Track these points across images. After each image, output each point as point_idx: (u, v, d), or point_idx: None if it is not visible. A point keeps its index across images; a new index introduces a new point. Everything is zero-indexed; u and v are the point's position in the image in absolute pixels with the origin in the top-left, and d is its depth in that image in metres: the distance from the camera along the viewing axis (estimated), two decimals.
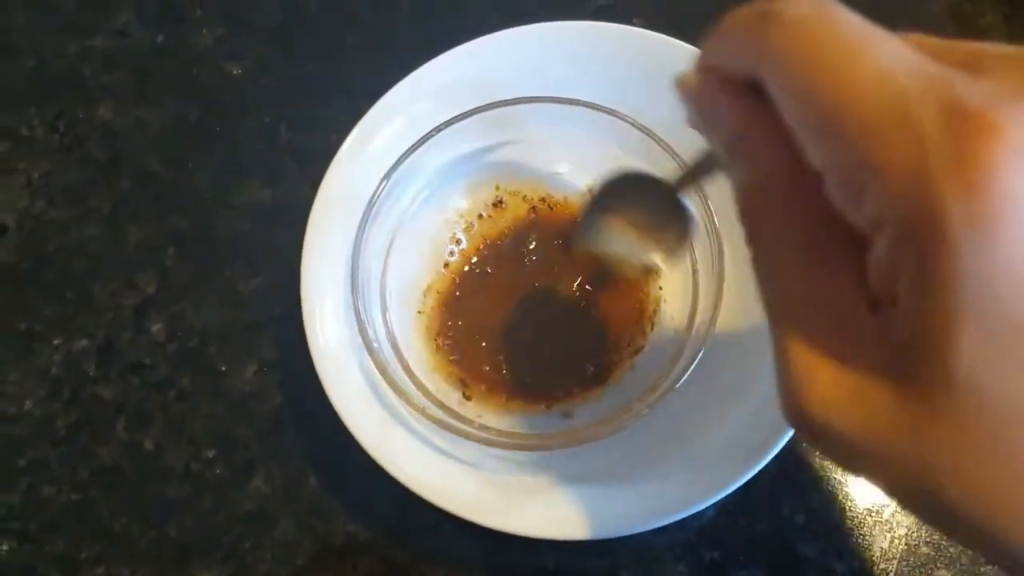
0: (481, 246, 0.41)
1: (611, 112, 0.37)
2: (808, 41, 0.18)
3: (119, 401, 0.42)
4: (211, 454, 0.41)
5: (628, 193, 0.29)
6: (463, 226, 0.42)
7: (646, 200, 0.29)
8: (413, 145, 0.37)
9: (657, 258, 0.31)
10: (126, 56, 0.49)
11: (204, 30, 0.49)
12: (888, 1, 0.46)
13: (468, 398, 0.39)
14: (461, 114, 0.37)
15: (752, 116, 0.20)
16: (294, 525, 0.39)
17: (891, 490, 0.18)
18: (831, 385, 0.18)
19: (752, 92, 0.20)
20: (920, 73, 0.16)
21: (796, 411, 0.18)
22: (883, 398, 0.17)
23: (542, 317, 0.40)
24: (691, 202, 0.33)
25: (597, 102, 0.38)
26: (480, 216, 0.42)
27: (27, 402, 0.42)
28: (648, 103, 0.39)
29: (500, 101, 0.38)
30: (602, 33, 0.41)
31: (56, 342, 0.43)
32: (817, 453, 0.38)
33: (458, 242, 0.41)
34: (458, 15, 0.48)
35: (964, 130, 0.15)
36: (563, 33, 0.41)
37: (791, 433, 0.34)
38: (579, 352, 0.39)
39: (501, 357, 0.39)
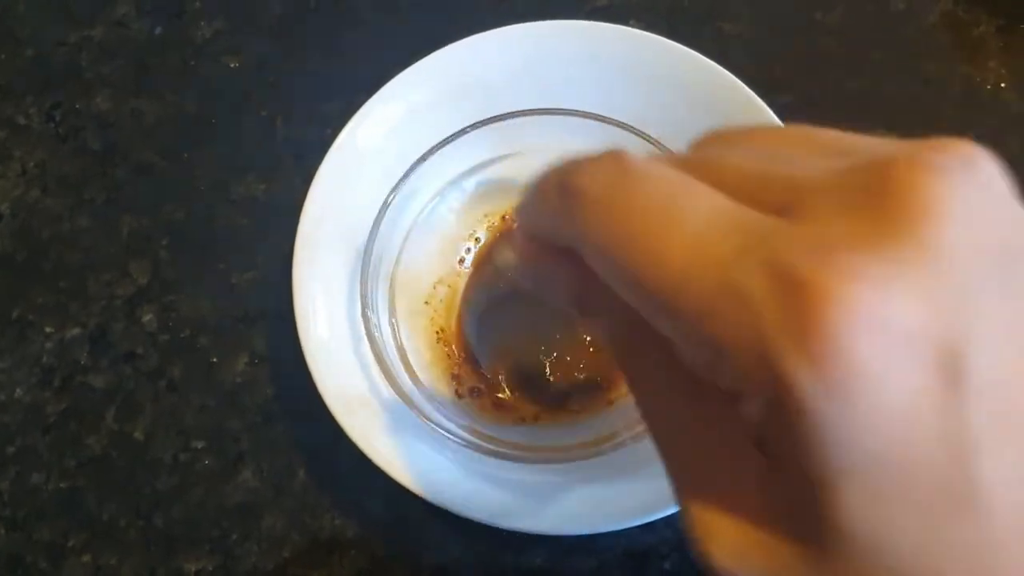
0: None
1: (620, 124, 0.37)
2: (615, 219, 0.17)
3: (110, 390, 0.42)
4: (200, 445, 0.41)
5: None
6: (486, 225, 0.42)
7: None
8: (410, 167, 0.37)
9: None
10: (124, 47, 0.49)
11: (203, 23, 0.49)
12: (885, 15, 0.47)
13: (460, 396, 0.39)
14: (463, 129, 0.37)
15: (588, 279, 0.18)
16: (282, 518, 0.39)
17: None
18: (732, 538, 0.17)
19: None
20: (736, 230, 0.15)
21: (706, 562, 0.18)
22: (783, 548, 0.17)
23: (544, 332, 0.40)
24: None
25: (593, 103, 0.37)
26: (503, 218, 0.42)
27: (18, 389, 0.42)
28: (644, 105, 0.39)
29: (502, 114, 0.37)
30: (598, 33, 0.41)
31: (48, 330, 0.43)
32: None
33: (477, 240, 0.41)
34: (456, 12, 0.48)
35: (794, 295, 0.14)
36: (559, 32, 0.41)
37: None
38: (574, 373, 0.39)
39: (499, 362, 0.40)
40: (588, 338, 0.39)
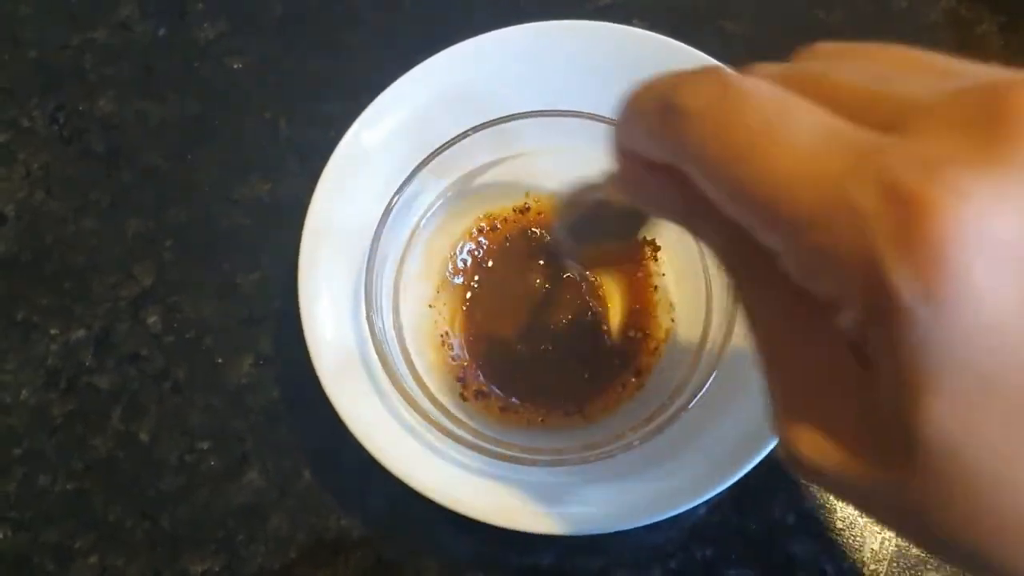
0: (498, 252, 0.41)
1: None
2: (721, 136, 0.17)
3: (115, 392, 0.42)
4: (206, 446, 0.41)
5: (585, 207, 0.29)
6: (487, 227, 0.42)
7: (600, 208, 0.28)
8: (414, 170, 0.38)
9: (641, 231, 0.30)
10: (128, 49, 0.49)
11: (206, 24, 0.49)
12: (886, 13, 0.47)
13: (465, 399, 0.39)
14: (467, 131, 0.37)
15: (692, 195, 0.19)
16: (288, 518, 0.39)
17: (886, 525, 0.18)
18: (818, 438, 0.18)
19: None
20: (846, 147, 0.16)
21: (789, 459, 0.19)
22: (868, 450, 0.17)
23: (548, 333, 0.40)
24: None
25: (595, 103, 0.37)
26: (506, 220, 0.42)
27: (23, 391, 0.42)
28: None
29: (506, 116, 0.37)
30: (600, 33, 0.41)
31: (53, 332, 0.43)
32: None
33: (479, 244, 0.42)
34: (458, 13, 0.48)
35: (904, 208, 0.14)
36: (562, 33, 0.41)
37: None
38: (579, 375, 0.39)
39: (502, 365, 0.40)
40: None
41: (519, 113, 0.37)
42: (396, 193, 0.37)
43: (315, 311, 0.38)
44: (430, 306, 0.40)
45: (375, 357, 0.36)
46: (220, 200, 0.45)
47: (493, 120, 0.37)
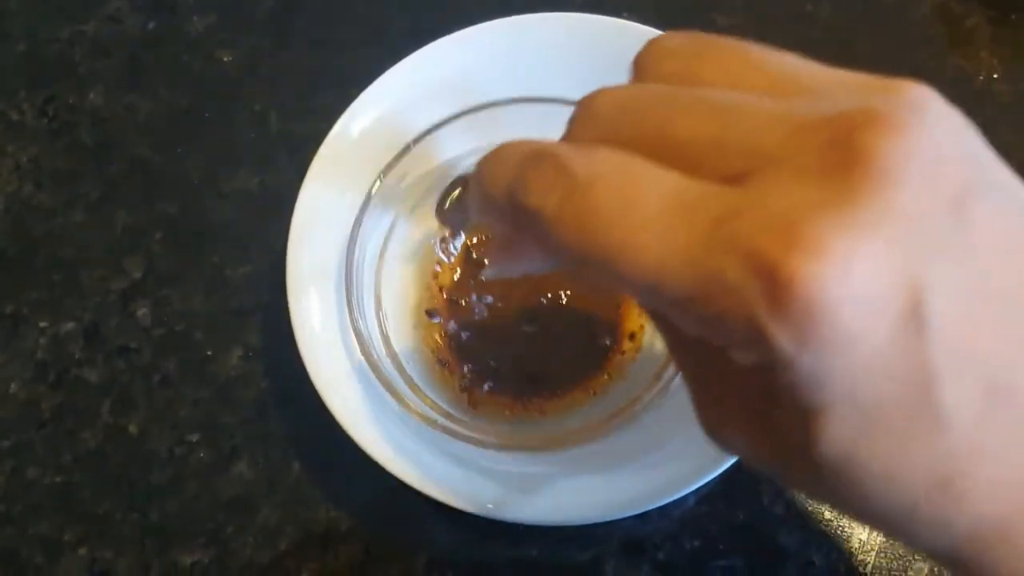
0: (467, 255, 0.41)
1: None
2: (581, 235, 0.17)
3: (104, 385, 0.42)
4: (195, 439, 0.41)
5: None
6: (448, 233, 0.41)
7: None
8: (395, 157, 0.37)
9: None
10: (117, 42, 0.49)
11: (195, 17, 0.49)
12: (876, 6, 0.47)
13: (473, 406, 0.39)
14: (449, 117, 0.37)
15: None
16: (277, 511, 0.39)
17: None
18: (736, 434, 0.20)
19: None
20: (697, 213, 0.16)
21: (712, 441, 0.21)
22: (780, 453, 0.19)
23: (534, 324, 0.40)
24: None
25: (582, 95, 0.38)
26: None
27: (12, 384, 0.42)
28: None
29: (488, 102, 0.37)
30: (590, 25, 0.41)
31: (42, 325, 0.43)
32: None
33: (447, 251, 0.41)
34: (449, 4, 0.48)
35: (768, 277, 0.15)
36: (552, 25, 0.41)
37: None
38: (570, 359, 0.39)
39: (497, 364, 0.40)
40: None
41: (508, 99, 0.37)
42: (378, 177, 0.37)
43: (303, 303, 0.38)
44: (415, 326, 0.40)
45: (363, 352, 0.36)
46: (210, 193, 0.45)
47: (479, 105, 0.37)
